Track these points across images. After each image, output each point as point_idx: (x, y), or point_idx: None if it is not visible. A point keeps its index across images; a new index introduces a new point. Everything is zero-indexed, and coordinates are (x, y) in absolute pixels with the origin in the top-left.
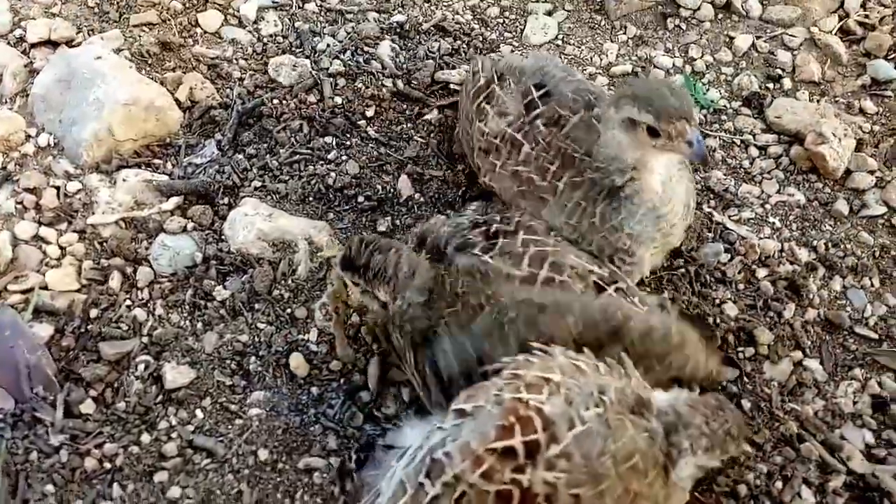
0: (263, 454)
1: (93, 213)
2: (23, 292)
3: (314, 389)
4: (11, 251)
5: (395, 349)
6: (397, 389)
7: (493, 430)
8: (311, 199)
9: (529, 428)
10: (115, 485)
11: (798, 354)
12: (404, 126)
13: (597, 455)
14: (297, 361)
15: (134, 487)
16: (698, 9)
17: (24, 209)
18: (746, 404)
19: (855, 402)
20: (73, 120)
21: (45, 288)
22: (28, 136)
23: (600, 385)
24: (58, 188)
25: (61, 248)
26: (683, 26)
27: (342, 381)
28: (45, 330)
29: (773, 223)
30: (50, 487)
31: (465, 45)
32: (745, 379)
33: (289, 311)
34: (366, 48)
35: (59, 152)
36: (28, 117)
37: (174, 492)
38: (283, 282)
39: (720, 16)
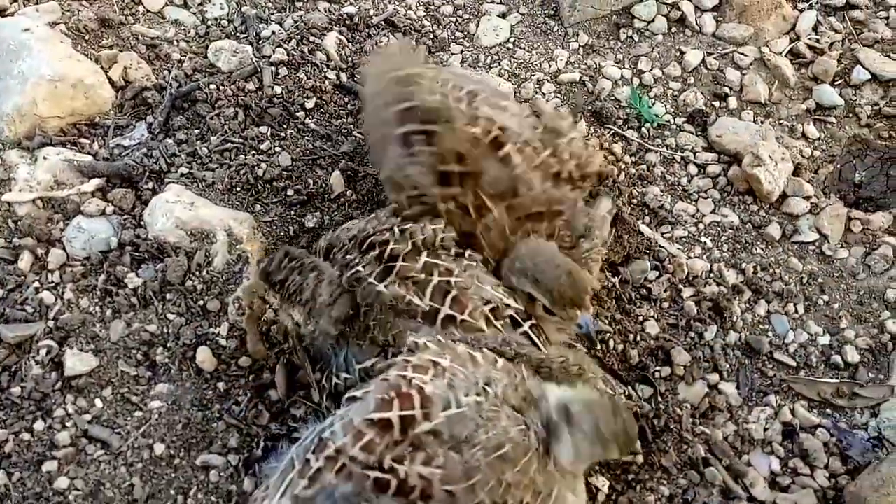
0: (160, 448)
1: (9, 191)
2: None
3: (220, 385)
4: None
5: (299, 358)
6: (306, 392)
7: (372, 402)
8: (238, 189)
9: (407, 404)
10: (1, 472)
11: (714, 377)
12: (344, 120)
13: (466, 440)
14: (204, 355)
15: (20, 476)
16: (652, 21)
17: None
18: (658, 424)
19: (766, 429)
20: None
21: None
22: None
23: (489, 377)
24: None
25: None
26: (636, 38)
27: (251, 377)
28: None
29: (705, 243)
30: None
31: (414, 42)
32: (658, 399)
33: (201, 303)
34: (311, 38)
35: None
36: None
37: (62, 482)
38: (197, 273)
39: (673, 30)
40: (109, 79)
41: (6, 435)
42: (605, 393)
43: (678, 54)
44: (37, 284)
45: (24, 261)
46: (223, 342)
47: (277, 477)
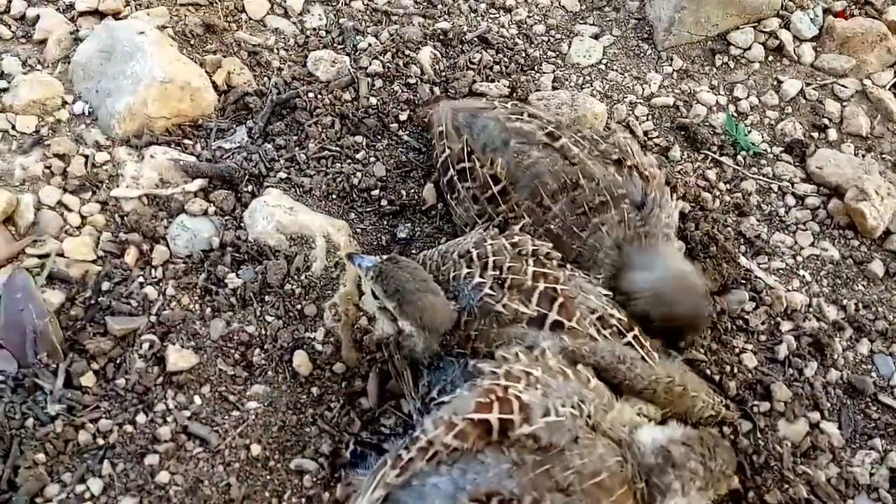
0: (256, 449)
1: (117, 186)
2: (39, 257)
3: (314, 390)
4: (34, 215)
5: (395, 366)
6: (397, 402)
7: (472, 403)
8: (334, 196)
9: (506, 408)
10: (106, 462)
11: (815, 416)
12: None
13: (564, 450)
14: (300, 359)
15: (124, 467)
16: (749, 48)
17: (51, 174)
18: (757, 461)
19: (872, 474)
20: (109, 91)
21: (62, 255)
22: (64, 103)
23: (581, 394)
24: (86, 157)
25: (82, 217)
26: (731, 65)
27: (344, 384)
28: (56, 297)
29: (804, 276)
30: (41, 456)
31: (506, 59)
32: (758, 434)
33: (299, 307)
34: (407, 51)
35: (93, 122)
36: (67, 84)
37: (163, 476)
38: (296, 276)
39: (770, 58)
40: (213, 83)
41: (111, 426)
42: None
43: (775, 83)
44: (141, 279)
45: (130, 255)
46: (319, 347)
47: (370, 477)
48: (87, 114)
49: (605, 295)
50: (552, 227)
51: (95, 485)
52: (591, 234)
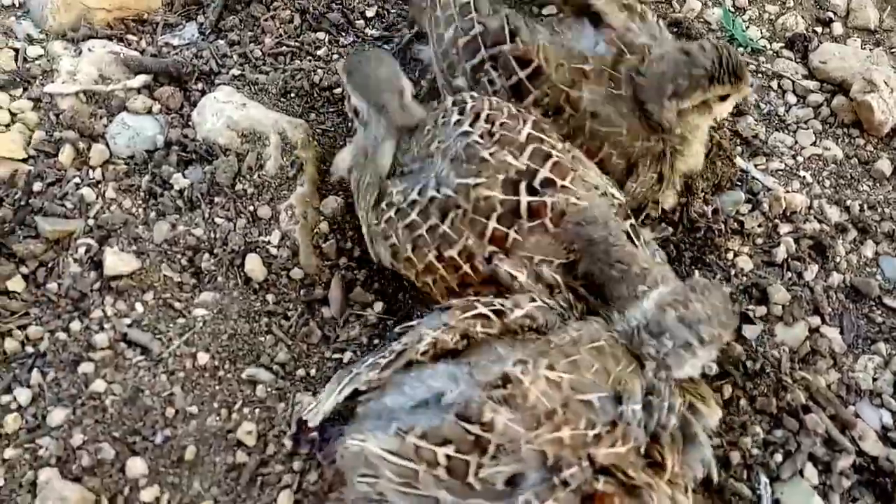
0: (204, 358)
1: (52, 82)
2: None
3: (269, 297)
4: None
5: (359, 190)
6: (361, 309)
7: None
8: (292, 94)
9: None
10: (35, 370)
11: (816, 320)
12: (405, 32)
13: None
14: (253, 264)
15: (55, 376)
16: None
17: None
18: (752, 367)
19: (875, 379)
20: None
21: None
22: None
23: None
24: (16, 51)
25: (12, 113)
26: None
27: (302, 292)
28: None
29: (804, 177)
30: None
31: None
32: (753, 340)
33: (251, 208)
34: None
35: (24, 13)
36: None
37: (98, 385)
38: (248, 176)
39: None
40: None
41: (42, 332)
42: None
43: None
44: (77, 180)
45: (65, 154)
46: (274, 251)
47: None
48: (17, 5)
49: (606, 175)
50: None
51: (23, 395)
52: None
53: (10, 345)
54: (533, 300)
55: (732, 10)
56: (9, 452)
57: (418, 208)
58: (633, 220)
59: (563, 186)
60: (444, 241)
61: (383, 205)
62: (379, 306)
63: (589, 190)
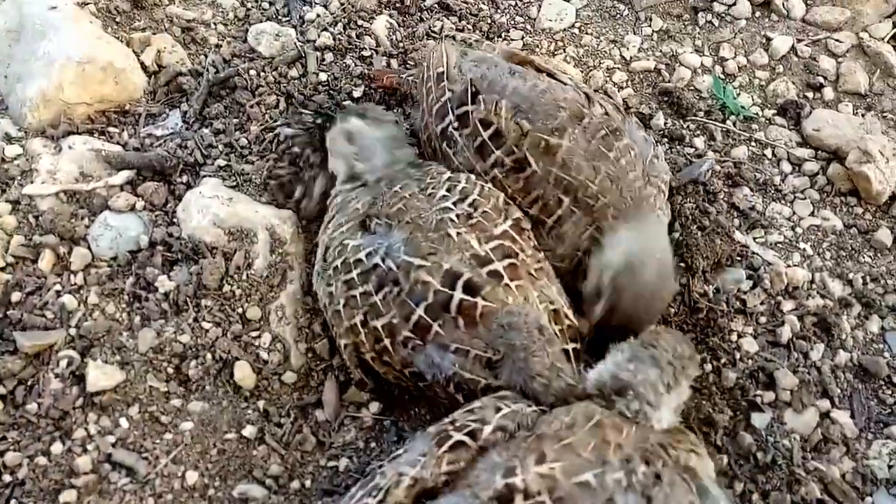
0: (193, 477)
1: (31, 183)
2: None
3: (261, 403)
4: None
5: None
6: (357, 410)
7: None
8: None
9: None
10: (13, 501)
11: (825, 404)
12: (394, 111)
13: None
14: (243, 370)
15: None
16: (734, 4)
17: None
18: (763, 458)
19: (890, 466)
20: (18, 76)
21: None
22: None
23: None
24: None
25: None
26: (716, 22)
27: (294, 396)
28: None
29: (804, 249)
30: None
31: (470, 26)
32: (763, 430)
33: (240, 310)
34: (360, 21)
35: (2, 111)
36: None
37: None
38: (236, 276)
39: (758, 14)
40: (142, 63)
41: (20, 459)
42: None
43: (764, 41)
44: (58, 287)
45: (45, 260)
46: (264, 355)
47: None
48: None
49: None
50: (566, 160)
51: None
52: (622, 156)
53: None
54: (498, 409)
55: (722, 77)
56: None
57: (360, 269)
58: (578, 346)
59: (506, 285)
60: (371, 311)
61: (336, 252)
62: (374, 406)
63: (535, 301)
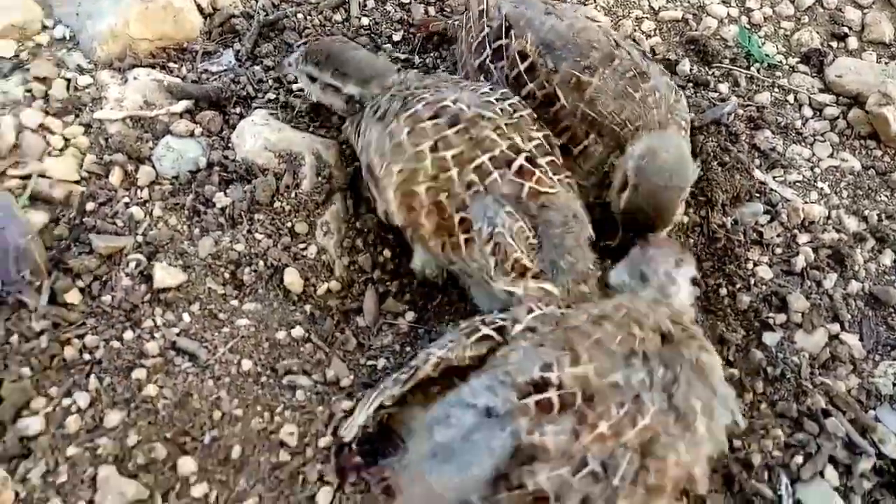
0: (247, 365)
1: (100, 109)
2: (22, 178)
3: (307, 307)
4: (15, 137)
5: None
6: (394, 319)
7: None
8: (322, 117)
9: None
10: (93, 376)
11: (835, 327)
12: (430, 55)
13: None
14: (292, 277)
15: (111, 381)
16: None
17: (33, 98)
18: (772, 372)
19: (895, 384)
20: (89, 13)
21: (45, 176)
22: (44, 27)
23: None
24: (68, 80)
25: (65, 139)
26: None
27: (338, 302)
28: (39, 217)
29: (822, 188)
30: (26, 370)
31: None
32: (774, 347)
33: (289, 224)
34: None
35: (74, 46)
36: (47, 8)
37: (150, 390)
38: (285, 194)
39: None
40: (198, 5)
41: (97, 341)
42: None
43: None
44: (126, 200)
45: (115, 176)
46: (311, 265)
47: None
48: (67, 38)
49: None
50: (595, 99)
51: (82, 398)
52: (648, 95)
53: (69, 353)
54: (531, 310)
55: (748, 27)
56: (71, 450)
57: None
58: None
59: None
60: (443, 141)
61: (388, 103)
62: (410, 316)
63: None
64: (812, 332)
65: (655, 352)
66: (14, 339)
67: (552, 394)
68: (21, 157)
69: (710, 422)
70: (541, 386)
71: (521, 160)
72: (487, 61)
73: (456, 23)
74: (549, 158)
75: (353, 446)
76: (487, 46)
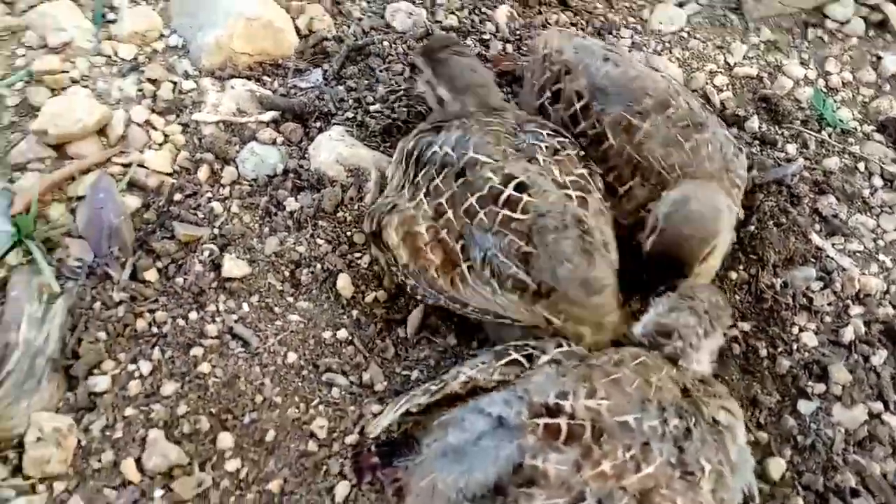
0: (292, 357)
1: (199, 111)
2: (124, 165)
3: (354, 312)
4: (124, 129)
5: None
6: (433, 334)
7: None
8: (394, 136)
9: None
10: (157, 348)
11: (878, 406)
12: (503, 91)
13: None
14: (344, 282)
15: (172, 355)
16: (847, 22)
17: (143, 96)
18: (803, 441)
19: None
20: (201, 26)
21: (143, 166)
22: (161, 35)
23: None
24: (175, 84)
25: (165, 135)
26: (826, 38)
27: (383, 311)
28: (133, 201)
29: (884, 262)
30: (103, 335)
31: (583, 21)
32: (808, 416)
33: (349, 233)
34: (483, 8)
35: (184, 53)
36: (166, 18)
37: (204, 367)
38: (349, 205)
39: (871, 33)
40: (296, 27)
41: (166, 317)
42: None
43: (874, 59)
44: (209, 195)
45: (202, 172)
46: (363, 273)
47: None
48: (180, 46)
49: None
50: (643, 143)
51: (145, 366)
52: (701, 146)
53: (140, 324)
54: (559, 345)
55: (825, 90)
56: (129, 411)
57: (431, 153)
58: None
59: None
60: (434, 191)
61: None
62: (451, 337)
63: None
64: (851, 407)
65: (672, 402)
66: (97, 305)
67: (562, 421)
68: (126, 148)
69: (717, 486)
70: (553, 411)
71: (507, 191)
72: (546, 103)
73: (524, 64)
74: (579, 194)
75: (373, 447)
76: (547, 90)
